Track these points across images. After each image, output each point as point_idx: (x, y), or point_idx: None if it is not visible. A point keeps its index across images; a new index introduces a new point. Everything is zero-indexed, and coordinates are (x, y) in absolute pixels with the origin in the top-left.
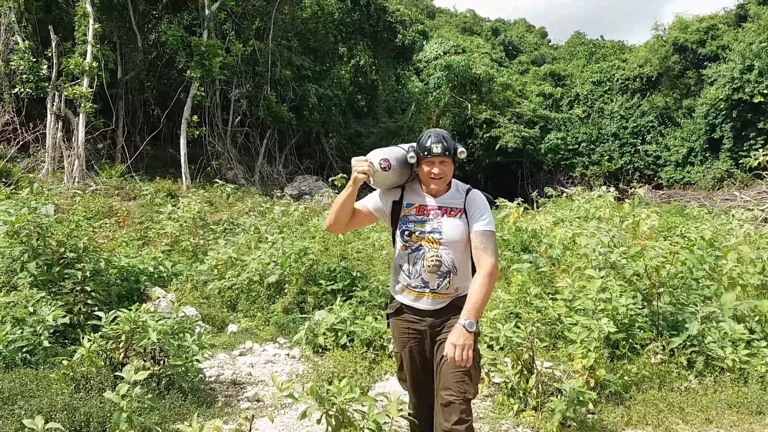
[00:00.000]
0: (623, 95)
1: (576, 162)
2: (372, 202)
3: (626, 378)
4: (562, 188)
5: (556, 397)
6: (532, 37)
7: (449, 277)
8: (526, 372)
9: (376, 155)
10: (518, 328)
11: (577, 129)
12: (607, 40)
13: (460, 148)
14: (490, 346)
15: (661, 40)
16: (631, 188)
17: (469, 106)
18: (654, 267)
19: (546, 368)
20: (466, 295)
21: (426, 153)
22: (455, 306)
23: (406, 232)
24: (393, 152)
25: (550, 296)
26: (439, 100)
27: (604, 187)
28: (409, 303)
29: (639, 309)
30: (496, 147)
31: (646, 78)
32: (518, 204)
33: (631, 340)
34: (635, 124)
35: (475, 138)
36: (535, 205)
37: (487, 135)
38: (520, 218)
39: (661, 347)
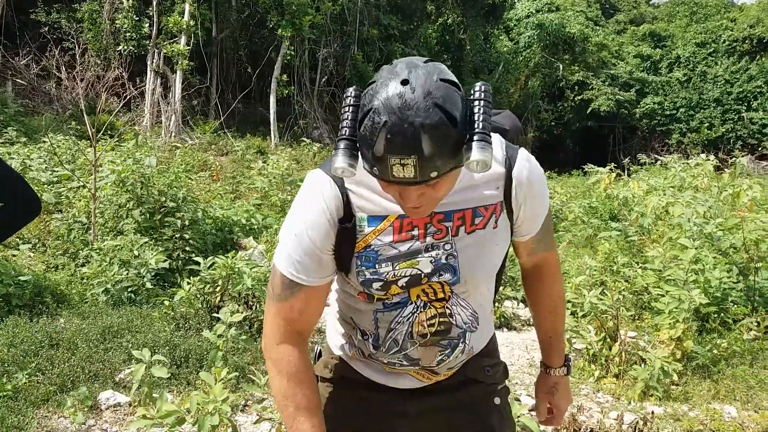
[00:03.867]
0: (729, 58)
1: (673, 128)
2: (315, 262)
3: (715, 352)
4: (657, 156)
5: (640, 366)
6: None
7: (464, 341)
8: (609, 340)
9: None
10: (604, 295)
11: (676, 93)
12: None
13: (476, 153)
14: (573, 313)
15: None
16: (731, 158)
17: (561, 66)
18: (753, 240)
19: (630, 338)
20: (482, 352)
21: (376, 172)
22: (466, 376)
23: (376, 284)
24: None
25: (639, 266)
26: (530, 60)
27: (703, 155)
28: (374, 377)
29: (734, 283)
30: (588, 110)
31: (757, 39)
32: (610, 170)
33: (723, 315)
34: (741, 89)
35: (566, 101)
36: (626, 172)
37: (579, 98)
38: (611, 185)
39: (756, 323)
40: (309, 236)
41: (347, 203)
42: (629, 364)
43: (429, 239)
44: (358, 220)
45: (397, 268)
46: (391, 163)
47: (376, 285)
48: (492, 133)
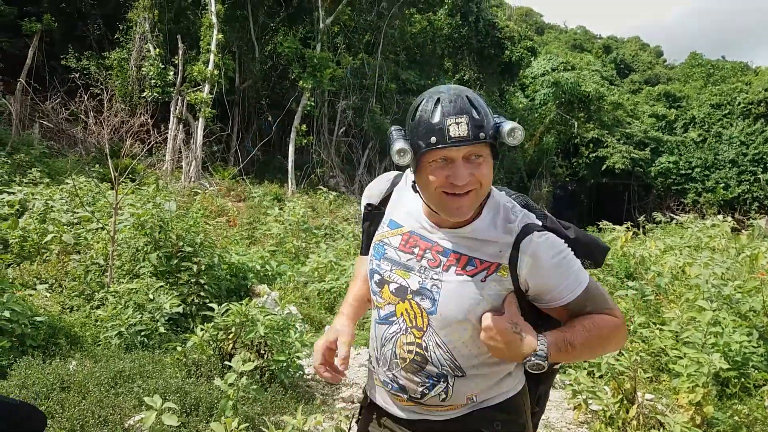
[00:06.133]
0: (745, 120)
1: (688, 188)
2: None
3: (736, 418)
4: (672, 215)
5: (658, 430)
6: (647, 55)
7: (446, 383)
8: (626, 402)
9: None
10: (621, 355)
11: (692, 153)
12: (729, 61)
13: (509, 124)
14: (590, 373)
15: None
16: (748, 219)
17: (576, 124)
18: None
19: (648, 400)
20: (496, 406)
21: (433, 141)
22: (472, 426)
23: (376, 276)
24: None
25: (657, 326)
26: (545, 117)
27: (720, 216)
28: (381, 402)
29: (754, 347)
30: (603, 168)
31: None
32: (627, 228)
33: (743, 380)
34: (756, 151)
35: (581, 157)
36: (642, 230)
37: (594, 155)
38: (627, 243)
39: None
40: (371, 186)
41: (387, 197)
42: (647, 428)
43: (423, 262)
44: (385, 215)
45: (393, 271)
46: (448, 124)
47: (375, 277)
48: (527, 211)
